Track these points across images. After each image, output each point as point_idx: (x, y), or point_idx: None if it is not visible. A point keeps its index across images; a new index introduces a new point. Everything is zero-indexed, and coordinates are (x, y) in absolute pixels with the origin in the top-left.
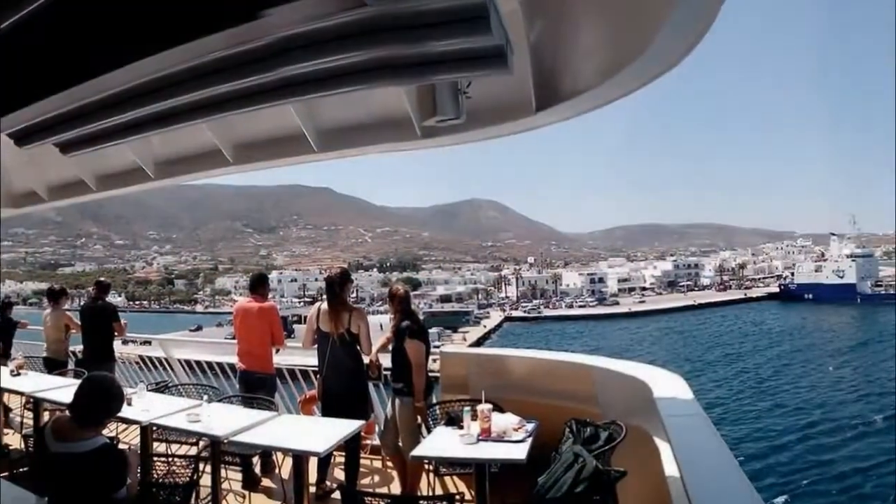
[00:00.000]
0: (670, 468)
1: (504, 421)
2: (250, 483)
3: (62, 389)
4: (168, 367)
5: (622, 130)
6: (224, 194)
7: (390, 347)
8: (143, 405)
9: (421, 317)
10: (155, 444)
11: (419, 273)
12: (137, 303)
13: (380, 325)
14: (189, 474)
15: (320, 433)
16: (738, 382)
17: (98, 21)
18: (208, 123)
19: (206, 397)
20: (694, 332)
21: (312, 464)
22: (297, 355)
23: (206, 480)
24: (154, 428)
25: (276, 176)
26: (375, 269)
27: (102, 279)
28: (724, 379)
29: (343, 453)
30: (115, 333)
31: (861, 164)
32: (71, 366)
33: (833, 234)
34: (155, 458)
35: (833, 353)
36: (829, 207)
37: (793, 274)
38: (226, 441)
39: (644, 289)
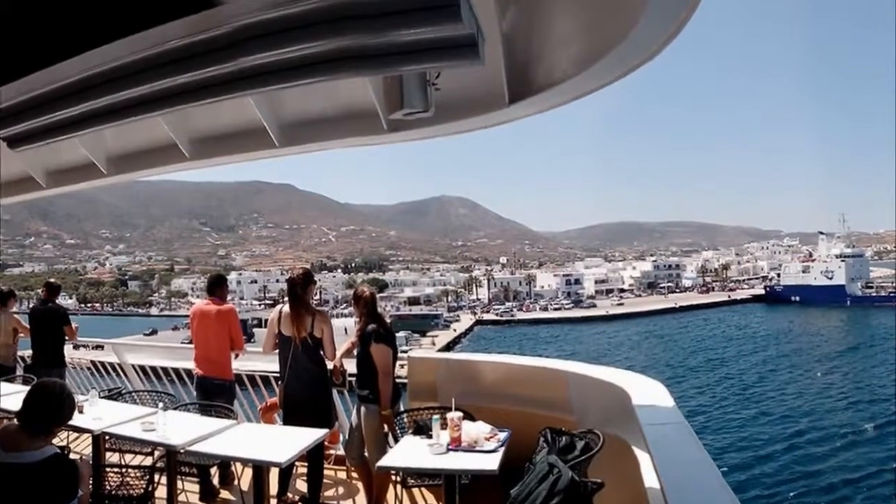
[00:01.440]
0: (650, 479)
1: (475, 430)
2: (208, 495)
3: (10, 396)
4: (121, 373)
5: (599, 124)
6: (181, 191)
7: (355, 352)
8: (96, 413)
9: (388, 320)
10: (108, 455)
11: (386, 274)
12: (89, 305)
13: (344, 328)
14: (143, 486)
15: (282, 443)
16: (721, 389)
17: (49, 8)
18: (164, 117)
19: (161, 405)
20: (675, 336)
21: (273, 475)
22: (258, 360)
23: (161, 492)
24: (107, 437)
25: (235, 172)
26: (340, 270)
27: (52, 280)
28: (706, 385)
29: (305, 464)
30: (66, 337)
31: (851, 158)
32: (19, 371)
33: (821, 233)
34: (108, 469)
35: (821, 359)
36: (817, 205)
37: (779, 275)
38: (182, 451)
39: (622, 290)
